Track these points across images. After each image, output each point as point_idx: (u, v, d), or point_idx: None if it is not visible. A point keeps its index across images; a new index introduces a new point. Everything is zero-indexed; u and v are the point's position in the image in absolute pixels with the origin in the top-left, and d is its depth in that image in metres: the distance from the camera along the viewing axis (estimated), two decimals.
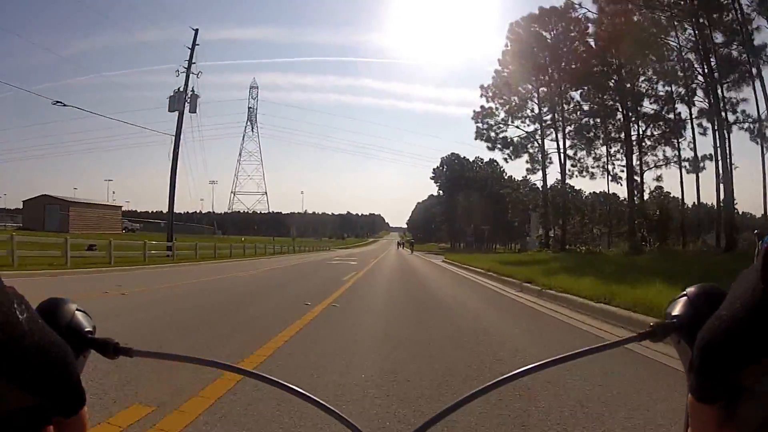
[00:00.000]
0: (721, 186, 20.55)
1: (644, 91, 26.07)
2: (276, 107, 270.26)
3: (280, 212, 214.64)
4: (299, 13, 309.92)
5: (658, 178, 27.08)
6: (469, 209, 65.95)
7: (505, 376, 0.43)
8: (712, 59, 21.24)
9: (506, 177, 75.07)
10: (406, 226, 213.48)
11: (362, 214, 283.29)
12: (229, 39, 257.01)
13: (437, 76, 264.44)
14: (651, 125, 26.03)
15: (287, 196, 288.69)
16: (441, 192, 75.02)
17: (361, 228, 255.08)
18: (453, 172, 71.89)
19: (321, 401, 0.44)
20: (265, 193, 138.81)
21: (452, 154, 75.09)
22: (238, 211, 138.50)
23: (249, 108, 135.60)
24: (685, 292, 0.39)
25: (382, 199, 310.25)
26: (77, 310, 0.39)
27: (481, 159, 74.97)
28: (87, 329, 0.39)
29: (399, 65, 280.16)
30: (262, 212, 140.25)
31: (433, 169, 75.35)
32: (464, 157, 74.45)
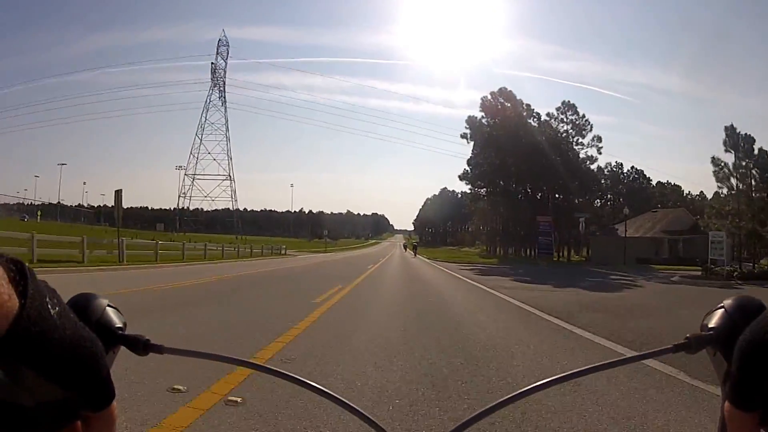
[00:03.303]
0: None
1: None
2: (275, 106, 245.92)
3: (275, 210, 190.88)
4: (305, 14, 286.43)
5: None
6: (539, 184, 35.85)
7: (534, 385, 0.40)
8: None
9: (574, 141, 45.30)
10: (412, 227, 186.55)
11: (363, 214, 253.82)
12: (239, 38, 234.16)
13: (445, 79, 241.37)
14: None
15: (284, 195, 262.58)
16: (477, 159, 42.88)
17: (363, 229, 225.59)
18: (502, 127, 39.90)
19: (345, 400, 0.44)
20: (230, 177, 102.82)
21: (501, 89, 41.62)
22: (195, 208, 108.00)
23: (212, 65, 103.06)
24: (722, 304, 0.37)
25: (387, 201, 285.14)
26: (108, 306, 0.38)
27: (533, 109, 43.51)
28: (117, 325, 0.38)
29: (406, 67, 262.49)
30: (223, 205, 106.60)
31: (466, 121, 43.41)
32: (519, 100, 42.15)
